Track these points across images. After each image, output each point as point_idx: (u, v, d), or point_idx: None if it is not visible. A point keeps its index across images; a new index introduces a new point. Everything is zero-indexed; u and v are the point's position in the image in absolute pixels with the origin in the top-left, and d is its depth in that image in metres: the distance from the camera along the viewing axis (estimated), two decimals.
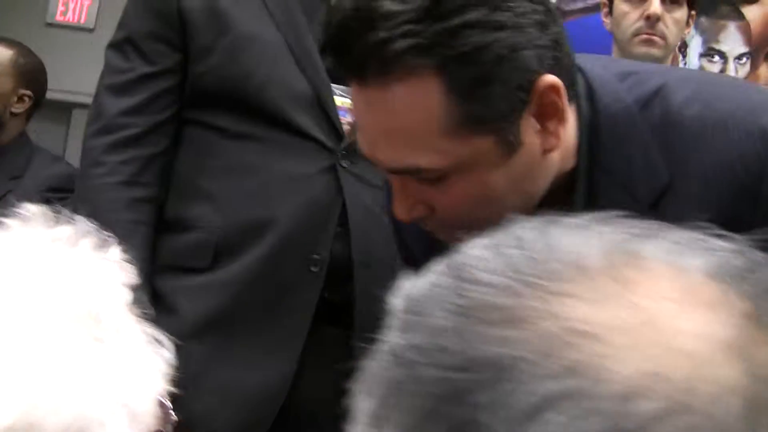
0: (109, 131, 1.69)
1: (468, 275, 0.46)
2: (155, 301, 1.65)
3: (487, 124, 0.98)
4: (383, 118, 1.00)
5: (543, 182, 1.06)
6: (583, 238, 0.46)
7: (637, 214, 0.99)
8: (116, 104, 1.69)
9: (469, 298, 0.44)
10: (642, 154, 1.06)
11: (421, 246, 1.31)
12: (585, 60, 1.13)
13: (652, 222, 0.49)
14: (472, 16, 0.93)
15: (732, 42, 3.71)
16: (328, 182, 1.66)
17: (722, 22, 3.70)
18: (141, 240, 1.65)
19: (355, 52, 0.97)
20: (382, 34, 0.93)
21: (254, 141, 1.66)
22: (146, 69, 1.70)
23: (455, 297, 0.45)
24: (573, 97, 1.06)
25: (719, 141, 1.03)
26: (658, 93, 1.08)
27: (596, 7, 3.60)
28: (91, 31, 6.17)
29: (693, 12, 2.40)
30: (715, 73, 3.38)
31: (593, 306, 0.42)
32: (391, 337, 0.48)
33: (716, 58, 3.71)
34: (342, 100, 1.68)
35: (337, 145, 1.66)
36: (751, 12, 3.72)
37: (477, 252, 0.48)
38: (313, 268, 1.64)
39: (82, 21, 6.21)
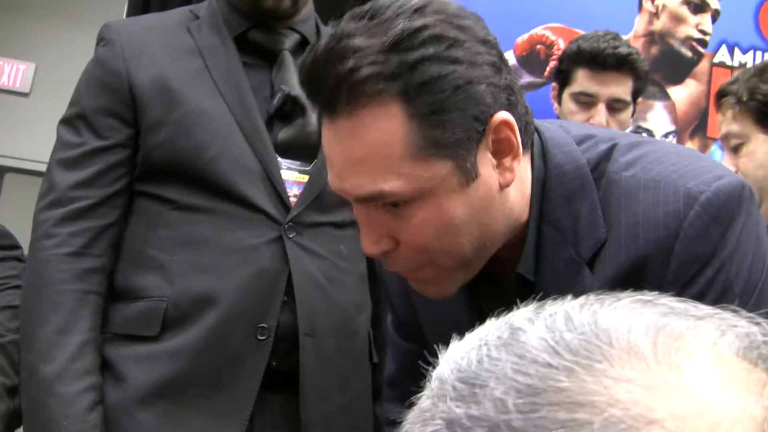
0: (61, 204, 1.71)
1: (525, 352, 0.49)
2: (104, 369, 1.67)
3: (445, 149, 1.04)
4: (351, 146, 1.06)
5: (502, 220, 1.13)
6: (627, 320, 0.50)
7: (579, 274, 1.05)
8: (67, 178, 1.72)
9: (531, 377, 0.47)
10: (589, 211, 1.14)
11: (402, 303, 1.38)
12: (545, 122, 1.22)
13: (680, 300, 0.53)
14: (431, 50, 1.02)
15: (659, 121, 3.84)
16: (275, 253, 1.69)
17: (650, 101, 3.84)
18: (91, 309, 1.68)
19: (326, 83, 1.04)
20: (350, 64, 1.02)
21: (204, 213, 1.70)
22: (97, 143, 1.74)
23: (515, 374, 0.48)
24: (528, 150, 1.16)
25: (649, 200, 1.10)
26: (607, 155, 1.17)
27: (529, 86, 3.74)
28: (26, 96, 6.18)
29: (639, 100, 2.46)
30: (662, 140, 3.51)
31: (651, 393, 0.46)
32: (444, 406, 0.50)
33: (644, 135, 3.85)
34: (289, 173, 1.74)
35: (284, 216, 1.71)
36: (676, 92, 3.88)
37: (528, 327, 0.51)
38: (260, 337, 1.66)
39: (17, 86, 6.22)
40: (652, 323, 0.49)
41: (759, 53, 3.93)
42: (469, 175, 1.07)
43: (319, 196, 1.74)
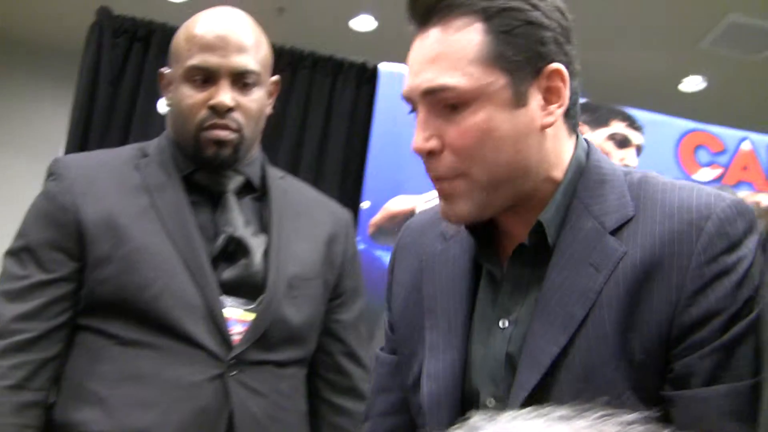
0: (2, 336, 1.71)
1: None
2: None
3: (507, 64, 1.24)
4: (433, 46, 1.26)
5: (534, 159, 1.28)
6: None
7: (600, 240, 1.25)
8: (10, 310, 1.73)
9: None
10: (617, 197, 1.30)
11: (408, 293, 1.48)
12: None
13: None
14: None
15: None
16: (216, 390, 1.71)
17: None
18: None
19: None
20: None
21: (146, 348, 1.72)
22: (42, 276, 1.76)
23: None
24: (575, 135, 1.35)
25: (684, 194, 1.27)
26: (641, 172, 1.35)
27: None
28: None
29: None
30: None
31: None
32: None
33: None
34: (232, 311, 1.78)
35: (226, 354, 1.74)
36: None
37: None
38: None
39: None
40: None
41: None
42: (519, 99, 1.25)
43: (263, 335, 1.78)
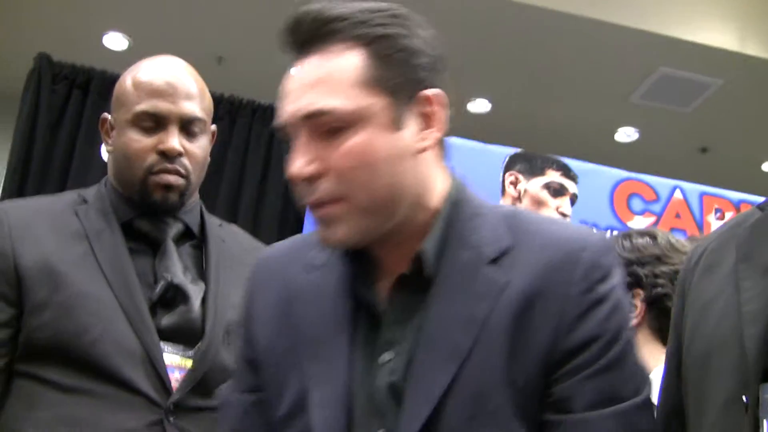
0: None
1: None
2: None
3: (386, 87, 1.29)
4: (314, 72, 1.30)
5: (412, 183, 1.32)
6: None
7: (478, 270, 1.30)
8: None
9: None
10: (490, 228, 1.35)
11: (275, 327, 1.43)
12: None
13: None
14: (395, 21, 1.32)
15: None
16: None
17: None
18: None
19: (309, 23, 1.31)
20: (335, 13, 1.30)
21: (84, 394, 1.71)
22: None
23: None
24: (448, 170, 1.40)
25: (560, 227, 1.38)
26: (511, 207, 1.43)
27: None
28: None
29: None
30: None
31: None
32: None
33: None
34: (171, 357, 1.78)
35: (165, 400, 1.74)
36: None
37: None
38: None
39: None
40: None
41: (615, 233, 4.15)
42: (397, 122, 1.29)
43: (201, 381, 1.78)
